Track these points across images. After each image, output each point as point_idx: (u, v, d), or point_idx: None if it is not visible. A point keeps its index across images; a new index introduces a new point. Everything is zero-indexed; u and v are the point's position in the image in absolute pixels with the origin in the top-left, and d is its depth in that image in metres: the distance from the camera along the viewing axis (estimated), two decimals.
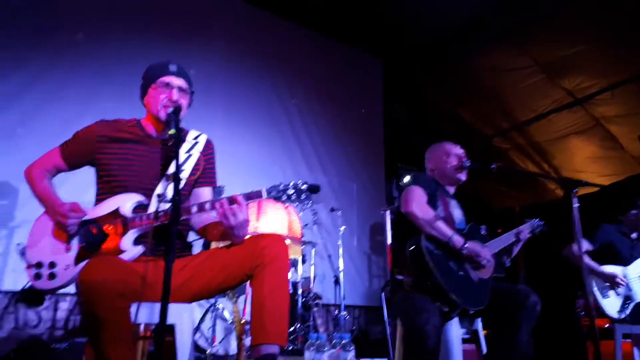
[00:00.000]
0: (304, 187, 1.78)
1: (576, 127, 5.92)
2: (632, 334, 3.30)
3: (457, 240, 2.38)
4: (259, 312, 1.66)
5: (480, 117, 6.46)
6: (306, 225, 4.15)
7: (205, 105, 4.38)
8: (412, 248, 2.37)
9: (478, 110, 6.39)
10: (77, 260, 1.71)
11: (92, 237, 1.74)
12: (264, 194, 1.76)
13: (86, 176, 2.02)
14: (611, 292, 3.29)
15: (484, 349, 2.66)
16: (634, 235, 3.49)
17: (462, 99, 6.38)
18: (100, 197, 1.87)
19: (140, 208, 1.81)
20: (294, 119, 5.62)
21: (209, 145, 2.07)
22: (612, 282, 3.28)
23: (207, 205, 1.74)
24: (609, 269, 3.32)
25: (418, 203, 2.43)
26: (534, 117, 6.04)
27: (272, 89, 5.52)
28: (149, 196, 1.84)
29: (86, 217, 1.77)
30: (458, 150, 2.77)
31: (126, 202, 1.80)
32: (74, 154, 1.93)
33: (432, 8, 5.36)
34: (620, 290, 3.28)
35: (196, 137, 2.03)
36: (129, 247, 1.74)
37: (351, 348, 2.25)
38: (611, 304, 3.28)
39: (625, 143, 5.70)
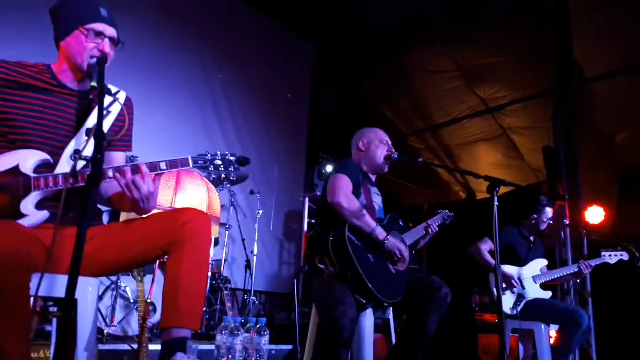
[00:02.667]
0: (232, 158, 1.69)
1: (485, 134, 6.29)
2: (520, 329, 3.57)
3: (380, 232, 2.40)
4: (173, 292, 1.52)
5: (401, 115, 6.65)
6: (223, 206, 3.99)
7: (124, 63, 4.04)
8: (334, 237, 2.35)
9: (399, 108, 6.57)
10: None
11: None
12: (190, 163, 1.63)
13: None
14: (507, 290, 3.53)
15: (393, 339, 2.73)
16: (532, 238, 3.76)
17: (387, 95, 6.53)
18: None
19: (44, 167, 1.58)
20: (217, 93, 5.39)
21: (128, 103, 1.84)
22: (507, 282, 3.51)
23: (110, 172, 1.54)
24: (507, 268, 3.55)
25: (345, 193, 2.42)
26: (448, 121, 6.33)
27: (198, 59, 5.25)
28: (56, 155, 1.60)
29: None
30: (389, 139, 2.79)
31: (27, 159, 1.55)
32: None
33: (370, 1, 5.40)
34: (515, 288, 3.52)
35: (115, 93, 1.79)
36: (31, 211, 1.51)
37: (266, 332, 2.19)
38: (505, 300, 3.51)
39: (526, 154, 6.15)
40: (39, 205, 1.55)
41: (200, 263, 1.59)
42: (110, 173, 1.56)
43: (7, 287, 1.28)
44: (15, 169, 1.54)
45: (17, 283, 1.30)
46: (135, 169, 1.55)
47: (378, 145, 2.74)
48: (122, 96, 1.82)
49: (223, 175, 1.56)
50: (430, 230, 2.79)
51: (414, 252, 2.86)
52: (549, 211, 3.71)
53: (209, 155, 1.66)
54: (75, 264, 1.17)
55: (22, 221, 1.50)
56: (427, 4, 5.32)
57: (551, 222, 3.75)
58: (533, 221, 3.71)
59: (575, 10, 4.75)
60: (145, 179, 1.55)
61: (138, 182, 1.54)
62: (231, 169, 1.69)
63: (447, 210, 2.95)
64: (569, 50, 4.89)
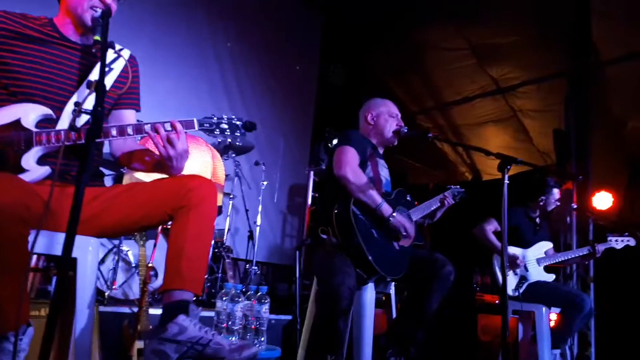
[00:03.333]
0: (239, 122, 1.65)
1: (494, 115, 6.18)
2: (521, 310, 3.56)
3: (386, 209, 2.36)
4: (178, 257, 1.50)
5: (410, 93, 6.54)
6: (227, 175, 3.97)
7: (131, 22, 3.96)
8: (339, 211, 2.32)
9: (409, 86, 6.46)
10: None
11: None
12: (196, 125, 1.59)
13: None
14: (510, 272, 3.51)
15: (394, 314, 2.72)
16: (538, 220, 3.73)
17: (396, 71, 6.41)
18: None
19: (46, 122, 1.55)
20: (225, 62, 5.30)
21: (133, 60, 1.80)
22: (511, 263, 3.49)
23: (130, 129, 1.52)
24: (511, 250, 3.52)
25: (351, 167, 2.37)
26: (458, 100, 6.23)
27: (207, 27, 5.15)
28: (58, 109, 1.57)
29: None
30: (398, 113, 2.73)
31: (29, 113, 1.52)
32: None
33: None
34: (518, 270, 3.50)
35: (119, 50, 1.74)
36: (33, 167, 1.48)
37: (266, 301, 2.18)
38: (508, 282, 3.49)
39: (535, 137, 6.06)
40: (40, 161, 1.52)
41: (205, 230, 1.56)
42: (114, 131, 1.52)
43: (5, 239, 1.26)
44: (17, 123, 1.51)
45: (15, 235, 1.28)
46: (170, 126, 1.54)
47: (387, 119, 2.67)
48: (126, 54, 1.77)
49: (229, 141, 1.51)
50: (446, 202, 2.74)
51: (425, 224, 2.84)
52: (556, 192, 3.67)
53: (215, 118, 1.62)
54: (73, 222, 1.14)
55: (23, 176, 1.47)
56: None
57: (558, 203, 3.71)
58: (541, 203, 3.67)
59: None
60: (180, 136, 1.54)
61: (174, 138, 1.53)
62: (237, 133, 1.64)
63: (458, 186, 2.90)
64: (587, 32, 4.76)
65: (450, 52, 5.74)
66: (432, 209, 2.73)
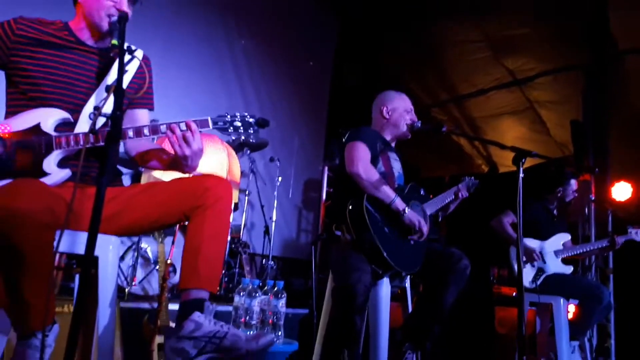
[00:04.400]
0: (252, 120, 1.66)
1: (511, 107, 6.12)
2: (539, 303, 3.54)
3: (399, 204, 2.37)
4: (194, 256, 1.53)
5: (424, 85, 6.50)
6: (242, 172, 4.01)
7: (141, 22, 4.00)
8: (353, 207, 2.33)
9: (422, 78, 6.42)
10: None
11: (6, 154, 1.49)
12: (210, 124, 1.62)
13: None
14: (527, 264, 3.49)
15: (410, 308, 2.74)
16: (555, 212, 3.70)
17: (410, 64, 6.38)
18: (14, 109, 1.60)
19: (65, 126, 1.58)
20: (239, 59, 5.33)
21: (146, 61, 1.83)
22: (529, 255, 3.47)
23: (146, 130, 1.55)
24: (528, 242, 3.50)
25: (363, 163, 2.38)
26: (473, 92, 6.18)
27: (221, 24, 5.18)
28: (76, 112, 1.61)
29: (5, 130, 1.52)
30: (412, 107, 2.73)
31: (48, 118, 1.56)
32: None
33: None
34: (535, 262, 3.48)
35: (133, 51, 1.76)
36: (54, 170, 1.52)
37: (283, 295, 2.21)
38: (525, 274, 3.48)
39: (552, 128, 5.99)
40: (61, 164, 1.56)
41: (221, 229, 1.59)
42: (130, 133, 1.55)
43: (31, 243, 1.30)
44: (37, 128, 1.55)
45: (41, 239, 1.32)
46: (185, 126, 1.56)
47: (402, 114, 2.66)
48: (139, 54, 1.80)
49: (243, 138, 1.53)
50: (460, 194, 2.74)
51: (440, 219, 2.83)
52: (573, 183, 3.64)
53: (228, 116, 1.64)
54: (95, 221, 1.18)
55: (45, 179, 1.51)
56: None
57: (576, 194, 3.67)
58: (559, 194, 3.64)
59: None
60: (195, 135, 1.57)
61: (189, 138, 1.55)
62: (250, 130, 1.66)
63: (472, 177, 2.89)
64: (605, 22, 4.68)
65: (466, 45, 5.69)
66: (447, 201, 2.73)
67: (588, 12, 4.74)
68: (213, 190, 1.57)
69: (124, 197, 1.63)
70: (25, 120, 1.56)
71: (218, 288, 1.64)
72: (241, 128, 1.64)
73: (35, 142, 1.53)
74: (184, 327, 1.45)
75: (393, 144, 2.74)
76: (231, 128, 1.63)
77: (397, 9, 5.81)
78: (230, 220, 1.66)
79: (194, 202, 1.56)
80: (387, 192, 2.35)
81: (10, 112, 1.61)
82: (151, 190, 1.66)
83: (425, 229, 2.41)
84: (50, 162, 1.54)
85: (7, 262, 1.32)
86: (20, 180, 1.39)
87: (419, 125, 2.64)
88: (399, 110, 2.67)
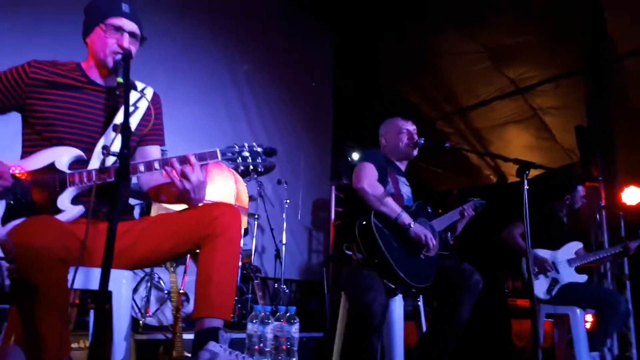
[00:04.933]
0: (260, 149, 1.68)
1: (515, 116, 6.14)
2: (555, 314, 3.50)
3: (405, 218, 2.39)
4: (206, 285, 1.56)
5: (427, 100, 6.54)
6: (251, 196, 4.04)
7: (146, 58, 4.09)
8: (361, 225, 2.35)
9: (425, 93, 6.47)
10: (4, 219, 1.51)
11: (22, 193, 1.54)
12: (219, 155, 1.64)
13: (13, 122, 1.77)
14: (540, 275, 3.46)
15: (424, 326, 2.72)
16: (565, 220, 3.67)
17: (412, 79, 6.43)
18: (30, 149, 1.65)
19: (78, 163, 1.63)
20: (242, 84, 5.41)
21: (156, 98, 1.88)
22: (541, 266, 3.44)
23: (156, 164, 1.59)
24: (540, 252, 3.47)
25: (369, 180, 2.43)
26: (477, 103, 6.20)
27: (222, 51, 5.27)
28: (88, 150, 1.65)
29: (16, 171, 1.56)
30: (410, 126, 2.78)
31: (62, 156, 1.60)
32: None
33: None
34: (549, 272, 3.45)
35: (142, 89, 1.83)
36: (68, 207, 1.56)
37: (296, 321, 2.20)
38: (539, 285, 3.45)
39: (558, 134, 5.98)
40: (74, 201, 1.59)
41: (232, 256, 1.62)
42: (142, 167, 1.59)
43: (47, 279, 1.33)
44: (52, 166, 1.59)
45: (56, 276, 1.35)
46: (183, 160, 1.58)
47: (397, 136, 2.75)
48: (149, 92, 1.85)
49: (251, 168, 1.56)
50: (466, 214, 2.78)
51: (452, 239, 2.84)
52: (581, 189, 3.64)
53: (236, 147, 1.66)
54: (108, 258, 1.20)
55: (59, 216, 1.55)
56: None
57: (584, 200, 3.66)
58: (567, 201, 3.63)
59: None
60: (195, 169, 1.58)
61: (188, 172, 1.57)
62: (259, 160, 1.67)
63: (479, 198, 2.92)
64: (603, 26, 4.71)
65: (465, 56, 5.74)
66: (453, 220, 2.77)
67: (585, 16, 4.77)
68: (222, 218, 1.59)
69: (135, 231, 1.66)
70: (40, 159, 1.61)
71: (232, 315, 1.64)
72: (249, 158, 1.65)
73: (50, 180, 1.57)
74: (200, 357, 1.47)
75: (403, 168, 2.80)
76: (240, 158, 1.64)
77: (395, 22, 5.88)
78: (241, 246, 1.68)
79: (204, 231, 1.59)
80: (393, 207, 2.39)
81: (27, 152, 1.66)
82: (162, 221, 1.68)
83: (432, 242, 2.42)
84: (64, 199, 1.58)
85: (24, 297, 1.35)
86: (36, 218, 1.43)
87: (422, 142, 2.68)
88: (393, 134, 2.77)
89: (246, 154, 1.66)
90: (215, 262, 1.57)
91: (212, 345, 1.48)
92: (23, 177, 1.56)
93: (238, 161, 1.65)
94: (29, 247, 1.29)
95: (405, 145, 2.71)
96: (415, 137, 2.74)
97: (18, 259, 1.30)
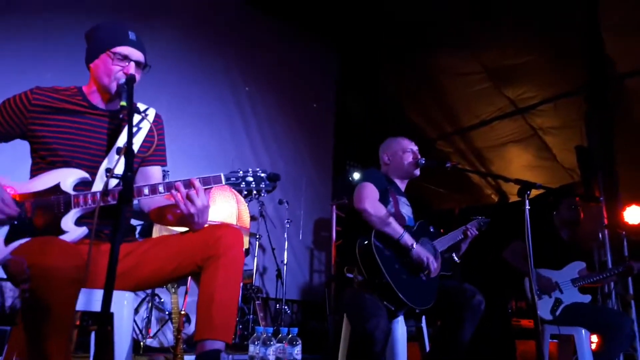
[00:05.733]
0: (263, 175, 1.70)
1: (515, 135, 6.17)
2: (560, 334, 3.46)
3: (407, 239, 2.38)
4: (208, 306, 1.55)
5: (428, 119, 6.59)
6: (252, 216, 4.04)
7: (150, 81, 4.14)
8: (362, 246, 2.34)
9: (426, 113, 6.52)
10: (7, 240, 1.52)
11: (26, 215, 1.55)
12: (223, 180, 1.65)
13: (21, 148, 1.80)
14: (544, 295, 3.43)
15: (427, 347, 2.69)
16: (565, 238, 3.65)
17: (414, 99, 6.49)
18: (36, 173, 1.67)
19: (82, 185, 1.64)
20: (244, 106, 5.47)
21: (158, 119, 1.90)
22: (544, 286, 3.42)
23: (161, 188, 1.60)
24: (543, 273, 3.45)
25: (371, 200, 2.41)
26: (477, 124, 6.24)
27: (224, 74, 5.35)
28: (92, 173, 1.67)
29: (22, 192, 1.58)
30: (413, 146, 2.78)
31: (67, 178, 1.62)
32: (2, 125, 1.69)
33: (395, 5, 5.40)
34: (552, 293, 3.42)
35: (144, 111, 1.85)
36: (71, 228, 1.56)
37: (298, 342, 2.18)
38: (542, 305, 3.42)
39: (559, 154, 6.00)
40: (78, 222, 1.60)
41: (234, 277, 1.61)
42: (146, 191, 1.60)
43: (59, 300, 1.34)
44: (56, 187, 1.61)
45: (68, 296, 1.36)
46: (188, 184, 1.60)
47: (402, 155, 2.74)
48: (151, 113, 1.88)
49: (255, 193, 1.59)
50: (469, 233, 2.76)
51: (458, 258, 2.82)
52: (566, 202, 3.63)
53: (241, 172, 1.68)
54: (110, 280, 1.21)
55: (63, 237, 1.55)
56: (451, 7, 5.27)
57: (574, 211, 3.63)
58: (558, 220, 3.63)
59: (605, 4, 4.63)
60: (199, 193, 1.59)
61: (193, 196, 1.58)
62: (262, 185, 1.69)
63: (483, 217, 2.90)
64: (601, 46, 4.76)
65: (466, 77, 5.81)
66: (456, 240, 2.74)
67: (582, 37, 4.83)
68: (224, 239, 1.60)
69: (138, 253, 1.66)
70: (46, 181, 1.62)
71: (233, 337, 1.64)
72: (253, 183, 1.67)
73: (54, 202, 1.58)
74: None
75: (403, 187, 2.79)
76: (243, 183, 1.66)
77: (396, 44, 5.96)
78: (243, 267, 1.68)
79: (206, 253, 1.59)
80: (396, 228, 2.37)
81: (34, 176, 1.68)
82: (163, 243, 1.69)
83: (433, 266, 2.40)
84: (68, 221, 1.58)
85: (34, 317, 1.35)
86: (45, 239, 1.44)
87: (423, 162, 2.68)
88: (397, 152, 2.75)
89: (250, 179, 1.68)
90: (217, 283, 1.57)
91: None
92: (27, 200, 1.57)
93: (242, 186, 1.67)
94: (45, 268, 1.31)
95: (410, 165, 2.71)
96: (418, 156, 2.75)
97: (33, 280, 1.31)
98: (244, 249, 1.68)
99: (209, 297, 1.56)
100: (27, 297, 1.31)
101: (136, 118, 1.79)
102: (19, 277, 1.34)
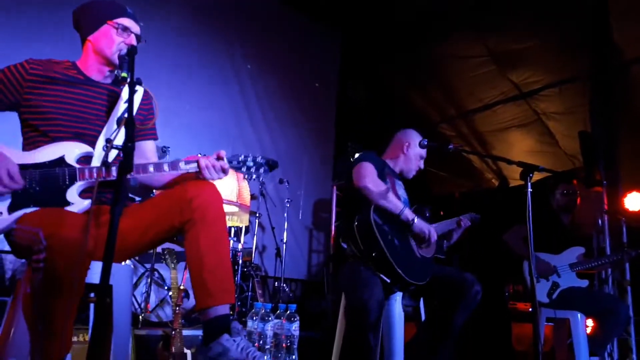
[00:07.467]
0: (263, 161, 1.76)
1: (518, 120, 6.13)
2: (555, 318, 3.49)
3: (408, 214, 2.42)
4: (198, 271, 1.54)
5: (431, 103, 6.54)
6: (252, 195, 4.04)
7: (151, 59, 4.11)
8: (359, 220, 2.36)
9: (429, 96, 6.46)
10: (11, 208, 1.52)
11: (31, 184, 1.55)
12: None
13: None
14: (541, 278, 3.45)
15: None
16: (565, 223, 3.66)
17: (416, 82, 6.43)
18: (32, 146, 1.66)
19: (84, 158, 1.65)
20: (245, 84, 5.41)
21: (146, 94, 1.91)
22: (542, 270, 3.43)
23: (166, 166, 1.64)
24: (542, 257, 3.47)
25: (371, 177, 2.44)
26: (480, 107, 6.19)
27: (225, 51, 5.28)
28: (91, 142, 1.67)
29: (25, 162, 1.57)
30: (424, 154, 2.83)
31: (72, 151, 1.63)
32: None
33: None
34: (550, 276, 3.44)
35: (140, 83, 1.86)
36: (77, 200, 1.58)
37: (296, 319, 2.20)
38: (539, 289, 3.44)
39: (561, 139, 5.97)
40: (82, 194, 1.62)
41: (218, 237, 1.59)
42: (152, 168, 1.63)
43: (73, 270, 1.34)
44: (61, 160, 1.61)
45: (81, 266, 1.37)
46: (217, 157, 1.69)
47: (417, 159, 2.81)
48: (140, 89, 1.88)
49: (253, 177, 1.64)
50: (462, 223, 2.81)
51: (447, 247, 2.86)
52: (561, 186, 3.65)
53: (242, 156, 1.74)
54: (109, 251, 1.20)
55: (68, 209, 1.57)
56: None
57: (567, 194, 3.64)
58: (555, 203, 3.64)
59: None
60: (227, 166, 1.71)
61: (227, 169, 1.70)
62: (261, 171, 1.76)
63: (474, 213, 2.95)
64: (608, 32, 4.70)
65: (470, 60, 5.74)
66: (449, 228, 2.80)
67: (590, 23, 4.77)
68: (197, 200, 1.57)
69: (121, 224, 1.66)
70: (51, 152, 1.63)
71: (234, 298, 1.66)
72: (253, 168, 1.73)
73: (60, 174, 1.58)
74: (212, 349, 1.48)
75: (397, 171, 2.83)
76: (244, 167, 1.73)
77: (400, 26, 5.89)
78: (225, 223, 1.67)
79: (181, 217, 1.58)
80: (397, 203, 2.42)
81: (31, 148, 1.66)
82: (142, 210, 1.68)
83: (434, 238, 2.46)
84: (73, 193, 1.60)
85: (47, 287, 1.35)
86: (59, 210, 1.47)
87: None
88: (415, 154, 2.81)
89: (250, 163, 1.74)
90: (201, 247, 1.55)
91: (225, 339, 1.48)
92: (30, 170, 1.57)
93: (242, 170, 1.74)
94: (62, 239, 1.32)
95: (415, 170, 2.82)
96: (422, 166, 2.84)
97: (50, 250, 1.32)
98: (222, 203, 1.67)
99: (197, 263, 1.55)
100: (42, 267, 1.31)
101: (127, 91, 1.79)
102: (34, 246, 1.34)
